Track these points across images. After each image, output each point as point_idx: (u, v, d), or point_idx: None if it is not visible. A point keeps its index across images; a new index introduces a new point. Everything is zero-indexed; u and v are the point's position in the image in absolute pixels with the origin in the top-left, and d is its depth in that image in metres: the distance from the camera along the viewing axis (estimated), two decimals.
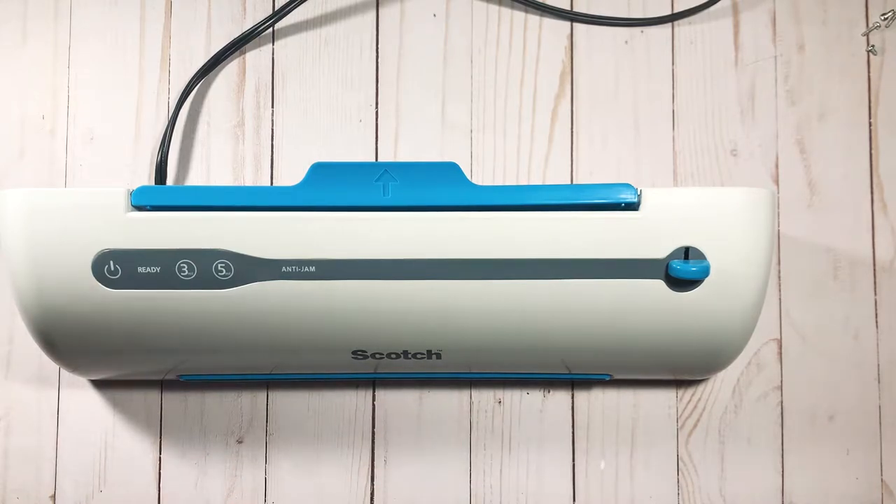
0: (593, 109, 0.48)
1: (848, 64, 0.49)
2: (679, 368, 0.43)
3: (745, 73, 0.48)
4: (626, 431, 0.47)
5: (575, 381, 0.48)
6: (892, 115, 0.48)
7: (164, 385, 0.48)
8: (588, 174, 0.48)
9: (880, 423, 0.47)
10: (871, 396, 0.47)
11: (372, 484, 0.47)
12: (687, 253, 0.37)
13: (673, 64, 0.49)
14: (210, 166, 0.48)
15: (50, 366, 0.47)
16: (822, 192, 0.48)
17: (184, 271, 0.37)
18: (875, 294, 0.48)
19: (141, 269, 0.37)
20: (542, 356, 0.42)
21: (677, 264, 0.37)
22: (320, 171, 0.38)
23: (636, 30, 0.49)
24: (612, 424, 0.47)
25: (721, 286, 0.37)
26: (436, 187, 0.38)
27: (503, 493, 0.47)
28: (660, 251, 0.37)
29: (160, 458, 0.47)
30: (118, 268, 0.37)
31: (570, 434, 0.47)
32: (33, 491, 0.47)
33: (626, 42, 0.49)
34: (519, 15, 0.49)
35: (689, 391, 0.48)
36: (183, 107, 0.48)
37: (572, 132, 0.48)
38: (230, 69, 0.49)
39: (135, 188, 0.37)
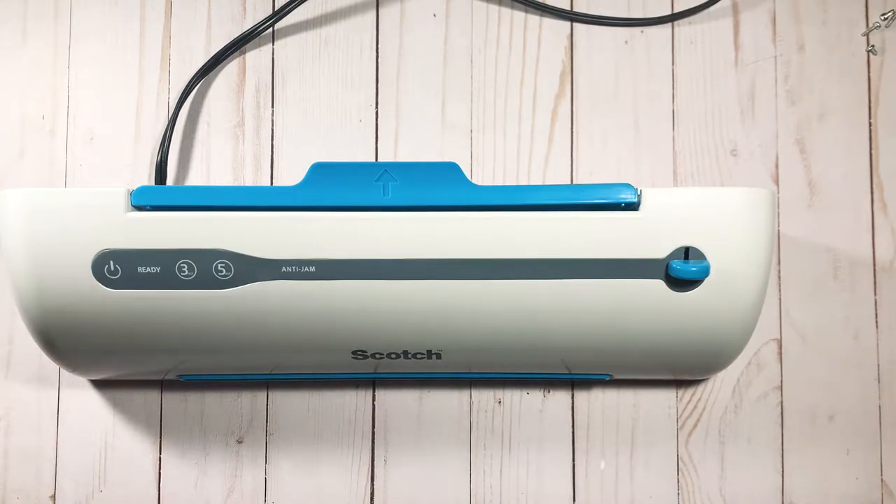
0: (593, 109, 0.48)
1: (848, 64, 0.49)
2: (679, 368, 0.43)
3: (745, 73, 0.48)
4: (626, 431, 0.47)
5: (575, 381, 0.48)
6: (892, 115, 0.48)
7: (164, 385, 0.48)
8: (588, 174, 0.48)
9: (880, 423, 0.47)
10: (871, 396, 0.47)
11: (372, 484, 0.47)
12: (687, 253, 0.37)
13: (673, 64, 0.49)
14: (210, 166, 0.48)
15: (50, 366, 0.47)
16: (822, 192, 0.48)
17: (184, 271, 0.37)
18: (875, 294, 0.48)
19: (141, 269, 0.37)
20: (542, 356, 0.42)
21: (677, 264, 0.37)
22: (320, 171, 0.38)
23: (636, 30, 0.49)
24: (612, 424, 0.47)
25: (721, 286, 0.37)
26: (436, 187, 0.38)
27: (503, 493, 0.47)
28: (660, 251, 0.37)
29: (160, 458, 0.47)
30: (118, 268, 0.37)
31: (570, 434, 0.48)
32: (33, 491, 0.47)
33: (626, 42, 0.49)
34: (519, 15, 0.49)
35: (689, 391, 0.48)
36: (183, 107, 0.48)
37: (572, 132, 0.48)
38: (230, 69, 0.49)
39: (135, 188, 0.37)
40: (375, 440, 0.47)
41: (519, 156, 0.48)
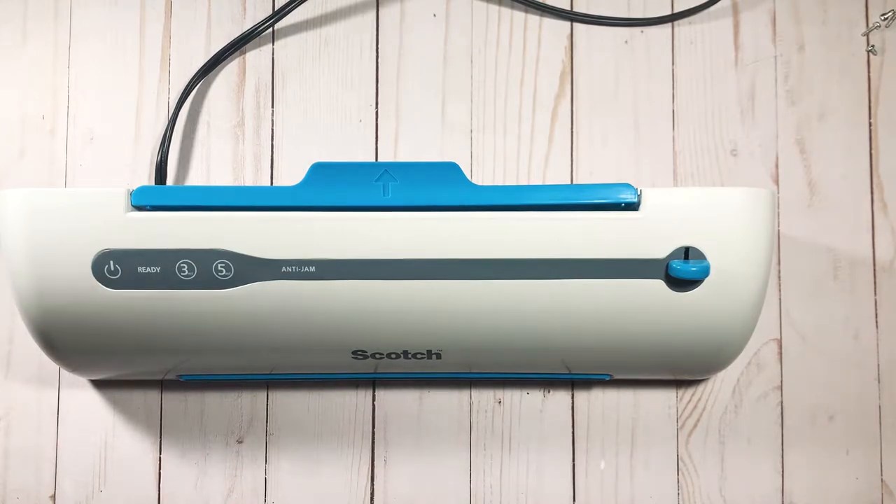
0: (593, 109, 0.48)
1: (848, 64, 0.49)
2: (679, 368, 0.43)
3: (745, 73, 0.48)
4: (626, 431, 0.47)
5: (575, 381, 0.48)
6: (892, 115, 0.48)
7: (164, 385, 0.48)
8: (588, 174, 0.48)
9: (880, 423, 0.47)
10: (871, 396, 0.47)
11: (372, 484, 0.47)
12: (687, 253, 0.37)
13: (673, 64, 0.49)
14: (210, 166, 0.48)
15: (50, 366, 0.47)
16: (822, 192, 0.48)
17: (184, 271, 0.37)
18: (875, 294, 0.48)
19: (141, 269, 0.37)
20: (542, 356, 0.42)
21: (677, 264, 0.37)
22: (320, 171, 0.38)
23: (636, 30, 0.49)
24: (612, 424, 0.47)
25: (721, 286, 0.37)
26: (436, 187, 0.38)
27: (503, 493, 0.47)
28: (660, 251, 0.37)
29: (160, 458, 0.47)
30: (118, 268, 0.37)
31: (570, 434, 0.47)
32: (33, 491, 0.47)
33: (626, 42, 0.49)
34: (519, 15, 0.49)
35: (689, 391, 0.48)
36: (183, 107, 0.48)
37: (572, 132, 0.48)
38: (230, 69, 0.49)
39: (135, 188, 0.37)
40: (375, 440, 0.47)
41: (519, 156, 0.48)
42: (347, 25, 0.49)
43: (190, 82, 0.47)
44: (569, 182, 0.48)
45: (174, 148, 0.48)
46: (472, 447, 0.47)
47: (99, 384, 0.47)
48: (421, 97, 0.48)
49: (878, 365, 0.48)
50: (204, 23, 0.49)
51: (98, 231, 0.37)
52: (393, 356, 0.41)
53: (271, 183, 0.48)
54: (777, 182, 0.48)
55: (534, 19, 0.49)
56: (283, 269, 0.37)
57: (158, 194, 0.37)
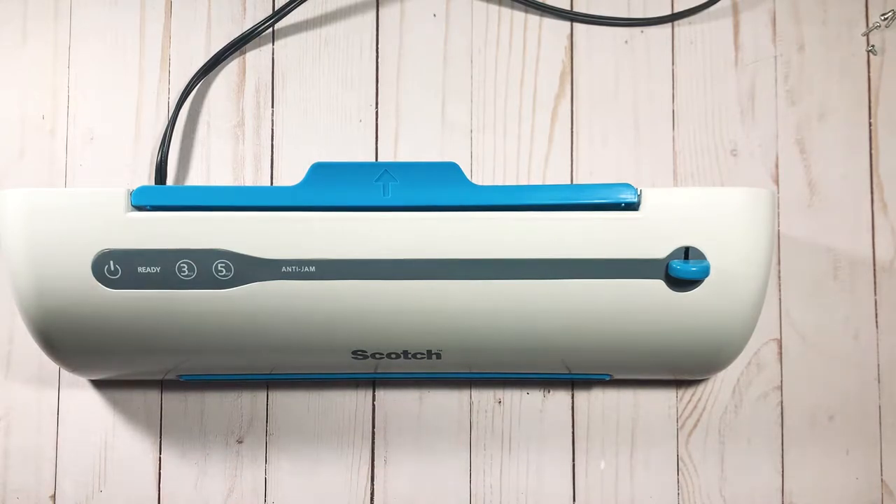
0: (593, 109, 0.48)
1: (848, 64, 0.49)
2: (679, 368, 0.43)
3: (745, 73, 0.48)
4: (626, 431, 0.47)
5: (575, 381, 0.48)
6: (892, 115, 0.48)
7: (164, 385, 0.48)
8: (588, 174, 0.48)
9: (880, 423, 0.47)
10: (871, 396, 0.47)
11: (372, 484, 0.47)
12: (687, 253, 0.37)
13: (673, 64, 0.49)
14: (210, 166, 0.48)
15: (50, 366, 0.47)
16: (822, 192, 0.48)
17: (184, 271, 0.37)
18: (875, 294, 0.48)
19: (141, 269, 0.37)
20: (542, 356, 0.42)
21: (677, 264, 0.37)
22: (320, 171, 0.38)
23: (636, 30, 0.49)
24: (612, 424, 0.47)
25: (721, 286, 0.37)
26: (436, 187, 0.38)
27: (503, 493, 0.47)
28: (660, 251, 0.37)
29: (160, 458, 0.47)
30: (118, 268, 0.37)
31: (570, 434, 0.47)
32: (33, 491, 0.47)
33: (626, 42, 0.49)
34: (519, 15, 0.49)
35: (689, 391, 0.48)
36: (183, 107, 0.48)
37: (572, 132, 0.48)
38: (230, 69, 0.49)
39: (135, 188, 0.37)
40: (375, 440, 0.47)
41: (519, 156, 0.48)
42: (347, 25, 0.49)
43: (190, 82, 0.47)
44: (569, 182, 0.48)
45: (174, 148, 0.48)
46: (472, 447, 0.47)
47: (99, 384, 0.47)
48: (421, 97, 0.48)
49: (878, 365, 0.48)
50: (204, 23, 0.49)
51: (98, 231, 0.37)
52: (393, 356, 0.41)
53: (271, 183, 0.48)
54: (777, 182, 0.48)
55: (534, 19, 0.49)
56: (283, 269, 0.37)
57: (158, 194, 0.37)
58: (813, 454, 0.47)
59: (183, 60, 0.48)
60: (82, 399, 0.47)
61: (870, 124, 0.48)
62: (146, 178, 0.48)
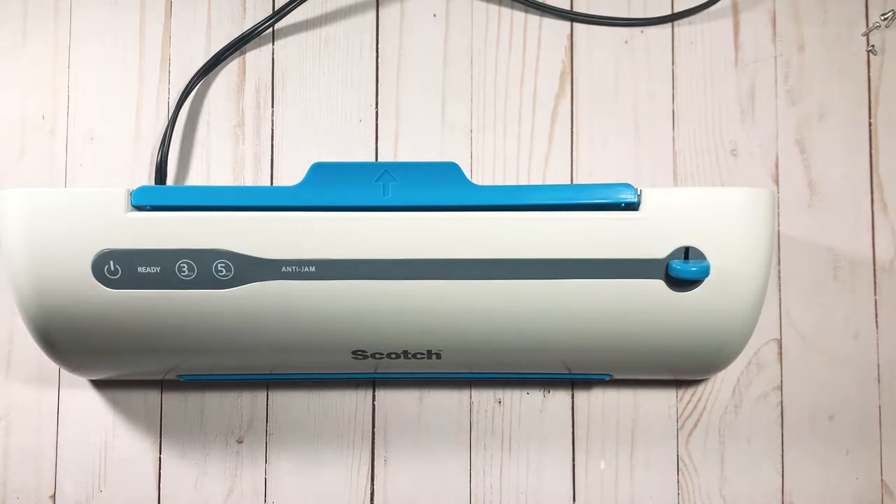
0: (593, 109, 0.48)
1: (848, 64, 0.49)
2: (679, 368, 0.43)
3: (745, 73, 0.48)
4: (626, 431, 0.47)
5: (575, 381, 0.48)
6: (892, 115, 0.48)
7: (164, 385, 0.48)
8: (588, 174, 0.48)
9: (880, 423, 0.47)
10: (871, 396, 0.47)
11: (372, 484, 0.47)
12: (687, 253, 0.37)
13: (673, 64, 0.49)
14: (210, 166, 0.48)
15: (50, 366, 0.47)
16: (822, 192, 0.48)
17: (184, 271, 0.37)
18: (875, 294, 0.48)
19: (141, 269, 0.37)
20: (541, 356, 0.42)
21: (677, 264, 0.37)
22: (320, 171, 0.38)
23: (636, 30, 0.49)
24: (612, 424, 0.47)
25: (721, 286, 0.37)
26: (436, 187, 0.38)
27: (503, 493, 0.47)
28: (660, 251, 0.37)
29: (160, 458, 0.47)
30: (118, 268, 0.37)
31: (570, 434, 0.47)
32: (33, 491, 0.47)
33: (626, 42, 0.49)
34: (519, 15, 0.49)
35: (689, 391, 0.48)
36: (183, 107, 0.48)
37: (572, 132, 0.48)
38: (230, 69, 0.49)
39: (135, 188, 0.37)
40: (375, 440, 0.47)
41: (519, 156, 0.48)
42: (347, 25, 0.49)
43: (190, 82, 0.47)
44: (569, 182, 0.48)
45: (174, 148, 0.48)
46: (472, 447, 0.47)
47: (99, 384, 0.47)
48: (421, 97, 0.48)
49: (878, 365, 0.48)
50: (204, 23, 0.49)
51: (98, 231, 0.37)
52: (393, 356, 0.41)
53: (271, 183, 0.48)
54: (777, 182, 0.48)
55: (534, 19, 0.49)
56: (283, 269, 0.37)
57: (158, 194, 0.37)
58: (813, 454, 0.47)
59: (183, 60, 0.48)
60: (82, 399, 0.47)
61: (870, 124, 0.48)
62: (146, 178, 0.48)
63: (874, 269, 0.48)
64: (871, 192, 0.48)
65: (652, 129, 0.48)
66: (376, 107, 0.49)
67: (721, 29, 0.49)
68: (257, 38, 0.49)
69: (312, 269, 0.37)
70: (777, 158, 0.48)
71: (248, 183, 0.48)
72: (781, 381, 0.48)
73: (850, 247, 0.48)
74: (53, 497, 0.47)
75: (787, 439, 0.47)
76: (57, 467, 0.47)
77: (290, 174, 0.48)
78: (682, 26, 0.49)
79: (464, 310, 0.38)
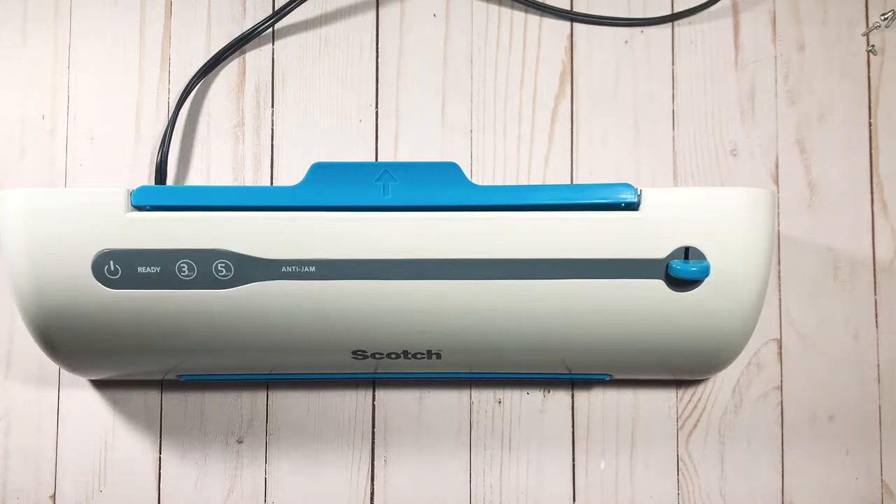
0: (593, 109, 0.48)
1: (848, 64, 0.49)
2: (679, 368, 0.43)
3: (745, 73, 0.48)
4: (626, 431, 0.47)
5: (575, 381, 0.48)
6: (892, 115, 0.48)
7: (164, 385, 0.48)
8: (588, 174, 0.48)
9: (880, 423, 0.47)
10: (871, 396, 0.47)
11: (372, 484, 0.47)
12: (687, 253, 0.37)
13: (673, 64, 0.49)
14: (210, 166, 0.48)
15: (50, 366, 0.47)
16: (822, 192, 0.48)
17: (184, 271, 0.37)
18: (875, 294, 0.48)
19: (141, 269, 0.37)
20: (542, 356, 0.42)
21: (677, 264, 0.37)
22: (320, 171, 0.38)
23: (636, 30, 0.49)
24: (612, 424, 0.47)
25: (721, 286, 0.37)
26: (436, 187, 0.38)
27: (503, 493, 0.47)
28: (660, 251, 0.37)
29: (160, 458, 0.47)
30: (118, 268, 0.37)
31: (570, 434, 0.47)
32: (33, 491, 0.47)
33: (626, 42, 0.49)
34: (519, 15, 0.49)
35: (689, 391, 0.48)
36: (183, 107, 0.48)
37: (572, 132, 0.48)
38: (230, 69, 0.49)
39: (135, 188, 0.37)
40: (375, 440, 0.47)
41: (519, 156, 0.48)
42: (347, 25, 0.49)
43: (190, 82, 0.47)
44: (569, 182, 0.48)
45: (174, 148, 0.48)
46: (472, 447, 0.47)
47: (99, 384, 0.47)
48: (421, 97, 0.48)
49: (878, 365, 0.48)
50: (204, 23, 0.49)
51: (98, 231, 0.37)
52: (393, 356, 0.41)
53: (271, 183, 0.48)
54: (777, 182, 0.48)
55: (534, 19, 0.49)
56: (283, 269, 0.37)
57: (158, 194, 0.37)
58: (813, 454, 0.47)
59: (183, 60, 0.48)
60: (82, 399, 0.47)
61: (870, 124, 0.48)
62: (146, 178, 0.48)
63: (874, 269, 0.48)
64: (871, 192, 0.48)
65: (652, 129, 0.48)
66: (376, 107, 0.49)
67: (721, 29, 0.49)
68: (257, 38, 0.49)
69: (312, 269, 0.37)
70: (777, 158, 0.48)
71: (248, 183, 0.48)
72: (781, 381, 0.48)
73: (850, 247, 0.48)
74: (53, 497, 0.47)
75: (787, 439, 0.47)
76: (57, 467, 0.47)
77: (290, 174, 0.48)
78: (682, 26, 0.49)
79: (464, 310, 0.38)
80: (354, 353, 0.40)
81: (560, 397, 0.48)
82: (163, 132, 0.47)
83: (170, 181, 0.47)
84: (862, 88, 0.48)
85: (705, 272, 0.36)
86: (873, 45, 0.49)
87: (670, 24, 0.49)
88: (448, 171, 0.38)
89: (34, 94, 0.48)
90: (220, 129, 0.48)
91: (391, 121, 0.48)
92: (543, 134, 0.48)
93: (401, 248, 0.37)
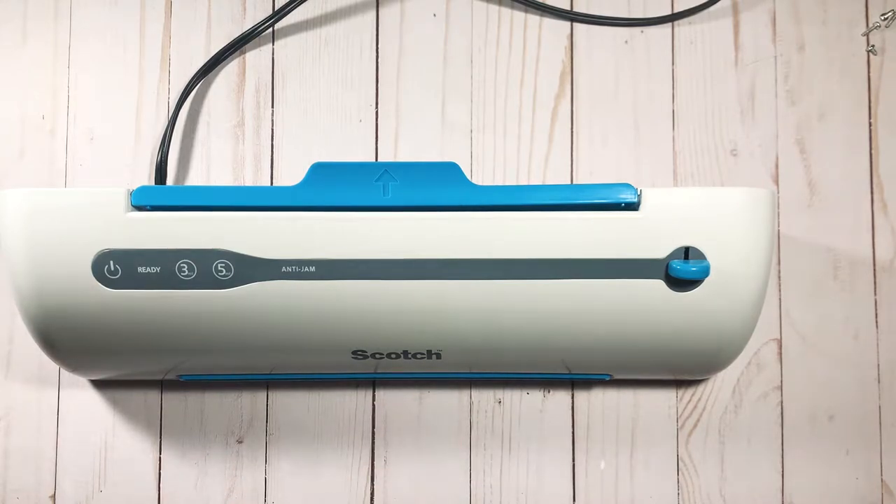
0: (593, 109, 0.48)
1: (848, 64, 0.49)
2: (679, 368, 0.43)
3: (745, 73, 0.48)
4: (626, 431, 0.47)
5: (575, 381, 0.48)
6: (892, 115, 0.48)
7: (164, 385, 0.48)
8: (588, 174, 0.48)
9: (880, 423, 0.47)
10: (871, 396, 0.47)
11: (372, 484, 0.47)
12: (687, 253, 0.37)
13: (673, 64, 0.49)
14: (210, 166, 0.48)
15: (50, 366, 0.47)
16: (822, 192, 0.48)
17: (184, 271, 0.37)
18: (875, 294, 0.48)
19: (141, 269, 0.37)
20: (542, 356, 0.42)
21: (677, 264, 0.37)
22: (320, 171, 0.38)
23: (636, 30, 0.49)
24: (612, 424, 0.47)
25: (721, 286, 0.37)
26: (436, 187, 0.38)
27: (503, 493, 0.47)
28: (660, 251, 0.37)
29: (160, 458, 0.47)
30: (118, 268, 0.37)
31: (570, 434, 0.47)
32: (33, 491, 0.47)
33: (626, 42, 0.49)
34: (519, 15, 0.49)
35: (689, 391, 0.48)
36: (183, 107, 0.48)
37: (572, 132, 0.48)
38: (230, 69, 0.49)
39: (135, 188, 0.37)
40: (375, 440, 0.47)
41: (519, 156, 0.48)
42: (347, 25, 0.49)
43: (190, 82, 0.47)
44: (569, 182, 0.48)
45: (174, 148, 0.48)
46: (472, 447, 0.47)
47: (99, 384, 0.47)
48: (421, 97, 0.48)
49: (878, 365, 0.48)
50: (204, 23, 0.49)
51: (98, 231, 0.37)
52: (393, 356, 0.41)
53: (271, 183, 0.48)
54: (777, 182, 0.48)
55: (534, 19, 0.49)
56: (283, 269, 0.37)
57: (158, 194, 0.37)
58: (813, 454, 0.47)
59: (183, 60, 0.48)
60: (82, 399, 0.47)
61: (870, 124, 0.48)
62: (146, 178, 0.48)
63: (874, 269, 0.48)
64: (871, 192, 0.48)
65: (652, 129, 0.48)
66: (376, 107, 0.49)
67: (721, 29, 0.49)
68: (257, 38, 0.49)
69: (312, 269, 0.37)
70: (777, 158, 0.48)
71: (248, 183, 0.48)
72: (781, 381, 0.48)
73: (850, 247, 0.48)
74: (53, 497, 0.47)
75: (787, 439, 0.47)
76: (57, 467, 0.47)
77: (290, 174, 0.48)
78: (682, 26, 0.49)
79: (464, 310, 0.38)
80: (354, 353, 0.40)
81: (560, 397, 0.48)
82: (163, 132, 0.47)
83: (170, 181, 0.47)
84: (862, 88, 0.48)
85: (705, 272, 0.36)
86: (873, 45, 0.49)
87: (670, 24, 0.49)
88: (448, 171, 0.38)
89: (34, 94, 0.48)
90: (220, 129, 0.48)
91: (391, 121, 0.48)
92: (543, 134, 0.48)
93: (401, 248, 0.37)
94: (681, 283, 0.37)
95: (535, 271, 0.37)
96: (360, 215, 0.37)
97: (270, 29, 0.49)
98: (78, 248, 0.37)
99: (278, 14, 0.48)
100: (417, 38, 0.49)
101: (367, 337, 0.39)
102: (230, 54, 0.48)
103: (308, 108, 0.48)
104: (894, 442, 0.47)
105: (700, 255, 0.37)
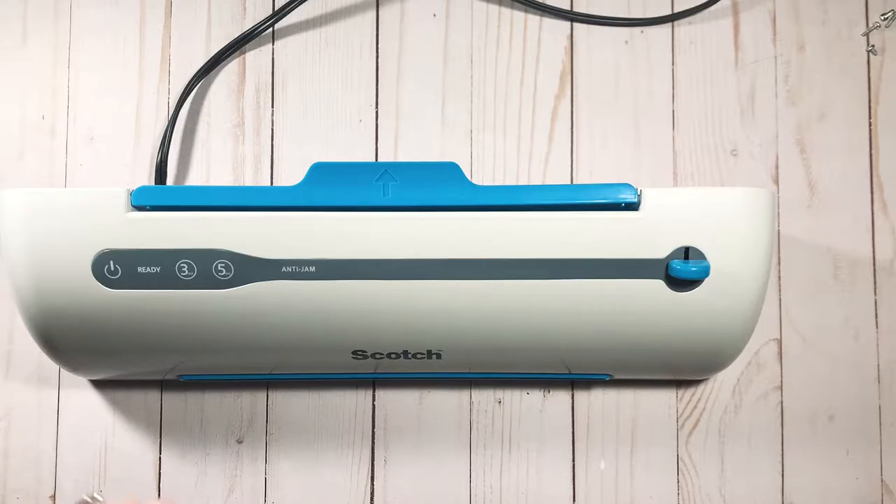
0: (593, 109, 0.48)
1: (848, 64, 0.49)
2: (679, 368, 0.43)
3: (745, 73, 0.48)
4: (626, 431, 0.47)
5: (575, 381, 0.48)
6: (892, 115, 0.48)
7: (164, 385, 0.48)
8: (588, 174, 0.48)
9: (880, 423, 0.47)
10: (871, 396, 0.47)
11: (372, 484, 0.47)
12: (687, 253, 0.37)
13: (673, 64, 0.49)
14: (210, 166, 0.48)
15: (50, 366, 0.47)
16: (822, 192, 0.48)
17: (184, 271, 0.37)
18: (875, 294, 0.48)
19: (141, 269, 0.37)
20: (542, 356, 0.42)
21: (677, 264, 0.37)
22: (320, 171, 0.38)
23: (636, 30, 0.49)
24: (612, 424, 0.47)
25: (721, 286, 0.37)
26: (436, 187, 0.38)
27: (503, 493, 0.47)
28: (660, 251, 0.37)
29: (160, 458, 0.47)
30: (118, 268, 0.37)
31: (570, 434, 0.47)
32: (33, 491, 0.47)
33: (626, 42, 0.49)
34: (519, 15, 0.49)
35: (689, 391, 0.48)
36: (183, 107, 0.48)
37: (572, 132, 0.48)
38: (230, 69, 0.49)
39: (135, 188, 0.37)
40: (375, 440, 0.47)
41: (519, 156, 0.48)
42: (347, 25, 0.49)
43: (190, 82, 0.47)
44: (569, 182, 0.48)
45: (174, 148, 0.48)
46: (472, 447, 0.47)
47: (99, 384, 0.47)
48: (421, 97, 0.48)
49: (878, 365, 0.48)
50: (204, 23, 0.49)
51: (98, 231, 0.37)
52: (393, 356, 0.41)
53: (271, 183, 0.48)
54: (777, 182, 0.48)
55: (534, 19, 0.49)
56: (283, 269, 0.37)
57: (158, 194, 0.37)
58: (813, 454, 0.47)
59: (183, 60, 0.48)
60: (82, 399, 0.47)
61: (870, 124, 0.48)
62: (146, 178, 0.48)
63: (874, 269, 0.48)
64: (871, 192, 0.48)
65: (652, 129, 0.48)
66: (376, 107, 0.49)
67: (721, 29, 0.49)
68: (257, 39, 0.49)
69: (312, 269, 0.37)
70: (777, 158, 0.48)
71: (248, 183, 0.48)
72: (781, 381, 0.48)
73: (850, 247, 0.48)
74: (53, 497, 0.47)
75: (787, 439, 0.47)
76: (57, 467, 0.47)
77: (290, 174, 0.48)
78: (681, 26, 0.49)
79: (464, 310, 0.38)
80: (354, 353, 0.40)
81: (560, 397, 0.48)
82: (163, 132, 0.47)
83: (170, 181, 0.47)
84: (862, 88, 0.48)
85: (705, 272, 0.36)
86: (873, 45, 0.49)
87: (670, 24, 0.49)
88: (448, 171, 0.38)
89: (34, 94, 0.48)
90: (220, 130, 0.48)
91: (391, 121, 0.48)
92: (543, 134, 0.48)
93: (401, 248, 0.37)
94: (681, 283, 0.37)
95: (535, 271, 0.37)
96: (359, 215, 0.37)
97: (270, 29, 0.49)
98: (78, 248, 0.37)
99: (278, 14, 0.48)
100: (417, 38, 0.49)
101: (367, 337, 0.39)
102: (230, 54, 0.48)
103: (308, 108, 0.48)
104: (894, 442, 0.47)
105: (700, 256, 0.37)
